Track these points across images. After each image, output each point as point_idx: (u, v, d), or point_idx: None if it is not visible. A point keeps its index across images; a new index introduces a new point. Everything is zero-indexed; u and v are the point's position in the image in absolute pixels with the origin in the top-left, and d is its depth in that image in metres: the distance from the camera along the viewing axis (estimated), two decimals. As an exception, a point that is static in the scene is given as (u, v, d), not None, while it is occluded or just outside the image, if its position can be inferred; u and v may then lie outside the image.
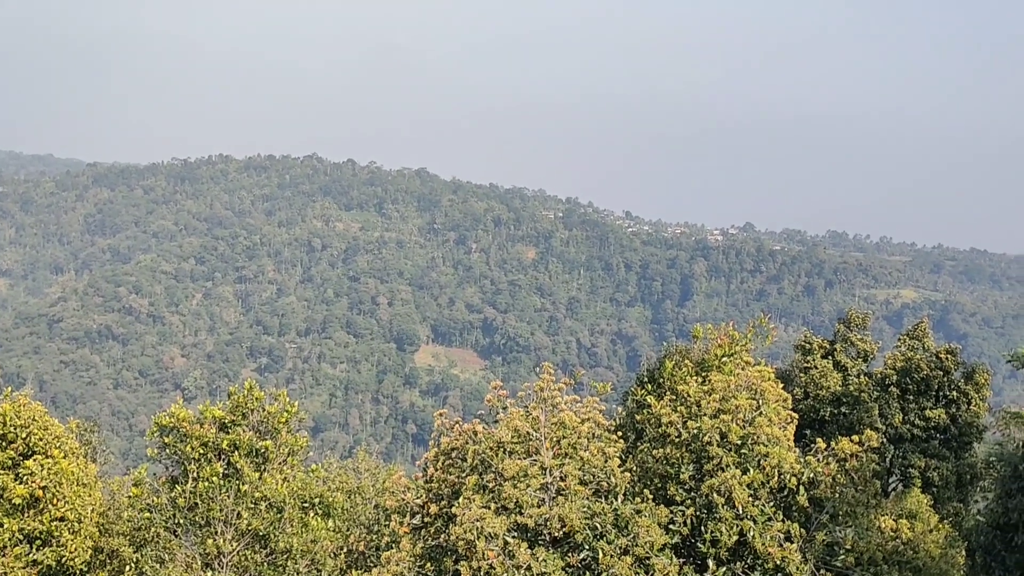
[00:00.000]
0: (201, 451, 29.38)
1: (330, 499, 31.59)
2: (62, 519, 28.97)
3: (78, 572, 29.69)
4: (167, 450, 29.86)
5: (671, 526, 22.67)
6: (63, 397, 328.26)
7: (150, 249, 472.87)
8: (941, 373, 50.00)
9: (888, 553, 24.15)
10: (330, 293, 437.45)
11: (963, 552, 32.27)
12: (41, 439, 29.22)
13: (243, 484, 29.28)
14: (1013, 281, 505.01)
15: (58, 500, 28.91)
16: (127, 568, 29.74)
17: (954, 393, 49.86)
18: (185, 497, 29.09)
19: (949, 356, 50.44)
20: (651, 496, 23.10)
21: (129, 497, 31.05)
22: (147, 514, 29.90)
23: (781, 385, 26.07)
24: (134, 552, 30.31)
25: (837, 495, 23.93)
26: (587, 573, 21.44)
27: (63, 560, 28.97)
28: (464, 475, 23.72)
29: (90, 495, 30.40)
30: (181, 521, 29.56)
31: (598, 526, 21.78)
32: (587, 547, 21.59)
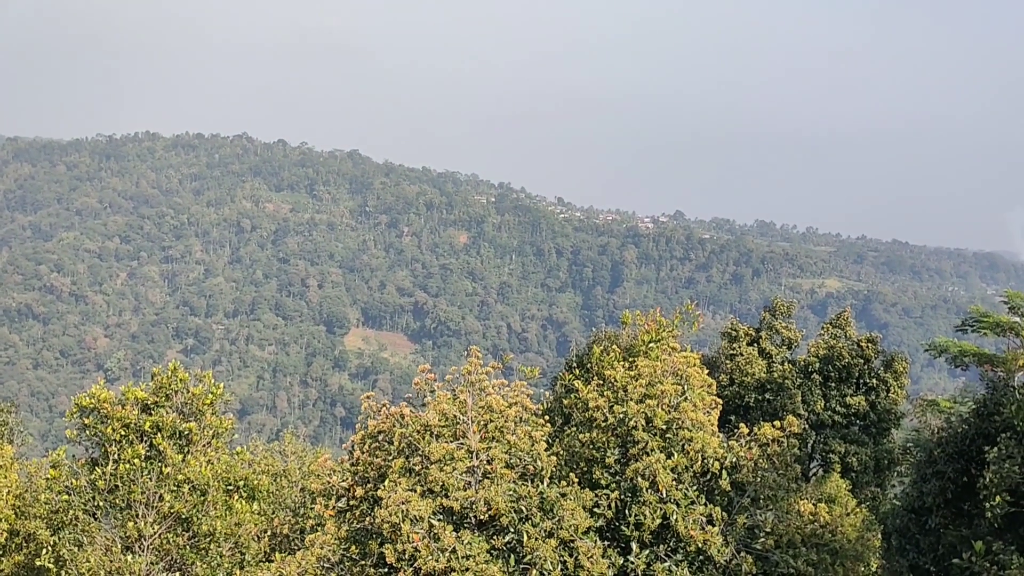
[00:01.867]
0: (122, 432, 28.75)
1: (255, 482, 31.20)
2: (-24, 501, 28.27)
3: (-8, 555, 29.02)
4: (87, 431, 29.17)
5: (596, 509, 22.87)
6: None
7: (73, 227, 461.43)
8: (862, 361, 51.07)
9: (807, 536, 24.61)
10: (259, 274, 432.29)
11: (879, 535, 33.08)
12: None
13: (166, 466, 28.77)
14: (932, 272, 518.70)
15: (-28, 482, 28.20)
16: (44, 551, 29.09)
17: (874, 381, 50.97)
18: (105, 479, 28.48)
19: (870, 345, 51.54)
20: (577, 480, 23.27)
21: (47, 479, 30.33)
22: (65, 496, 29.21)
23: (707, 371, 26.40)
24: (51, 535, 29.64)
25: (759, 479, 24.33)
26: (512, 556, 21.54)
27: (-23, 543, 28.28)
28: (391, 458, 23.63)
29: (6, 477, 29.70)
30: (101, 504, 28.93)
31: (523, 509, 21.88)
32: (512, 530, 21.68)
